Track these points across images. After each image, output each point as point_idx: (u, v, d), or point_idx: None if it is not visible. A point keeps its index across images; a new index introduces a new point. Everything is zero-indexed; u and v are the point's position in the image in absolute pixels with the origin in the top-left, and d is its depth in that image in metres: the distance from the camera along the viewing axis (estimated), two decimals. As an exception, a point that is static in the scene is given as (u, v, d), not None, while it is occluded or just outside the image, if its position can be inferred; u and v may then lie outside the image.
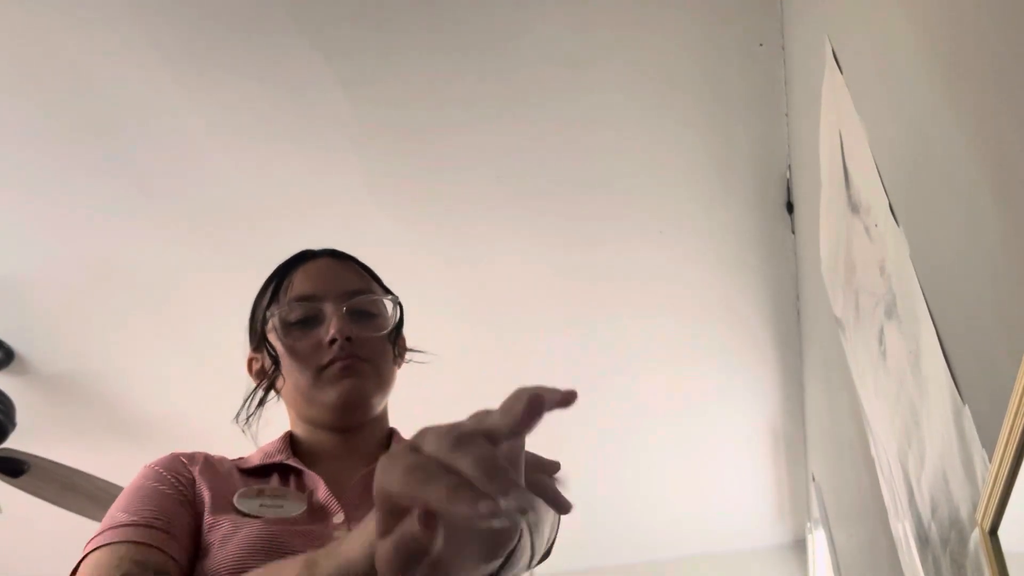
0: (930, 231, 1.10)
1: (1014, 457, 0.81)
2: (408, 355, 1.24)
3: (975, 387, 0.97)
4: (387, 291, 1.20)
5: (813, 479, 3.24)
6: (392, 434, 1.17)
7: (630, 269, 2.77)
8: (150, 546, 0.92)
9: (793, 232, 2.64)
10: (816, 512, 3.23)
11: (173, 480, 1.02)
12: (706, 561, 3.98)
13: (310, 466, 1.09)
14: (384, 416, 1.17)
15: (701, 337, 3.04)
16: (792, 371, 3.15)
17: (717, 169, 2.50)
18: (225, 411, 3.49)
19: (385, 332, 1.13)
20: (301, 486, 1.06)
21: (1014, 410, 0.78)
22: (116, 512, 0.97)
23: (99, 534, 0.95)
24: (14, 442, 2.77)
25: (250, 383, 1.22)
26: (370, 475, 1.08)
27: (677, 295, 2.87)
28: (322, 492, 1.04)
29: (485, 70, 2.22)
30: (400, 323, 1.18)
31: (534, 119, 2.35)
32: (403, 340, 1.23)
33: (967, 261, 0.97)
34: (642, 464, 3.48)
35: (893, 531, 1.60)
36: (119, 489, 2.71)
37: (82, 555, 0.94)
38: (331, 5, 2.06)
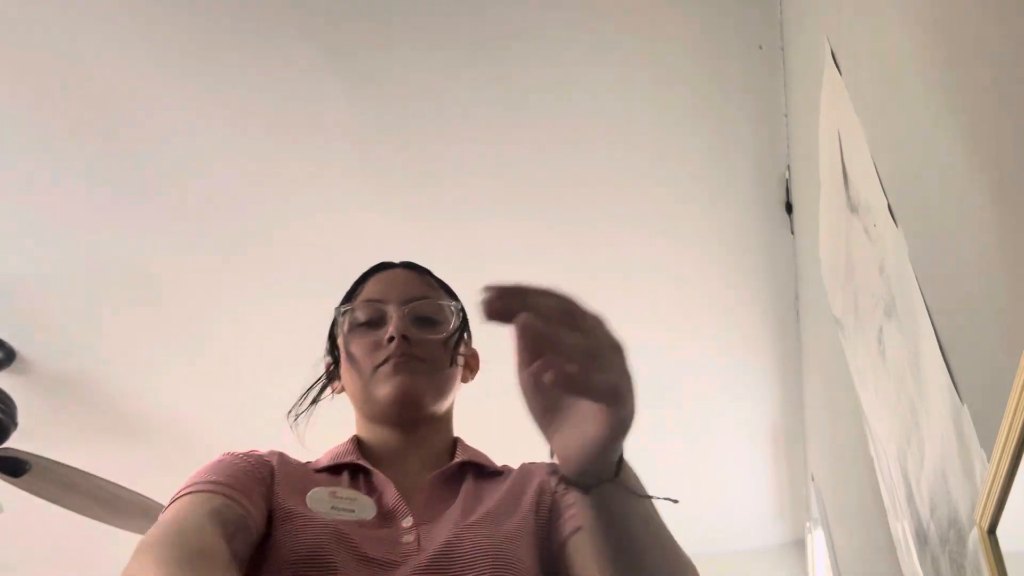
0: (929, 231, 1.10)
1: (1012, 456, 0.81)
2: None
3: (974, 387, 0.97)
4: (453, 298, 1.25)
5: (812, 479, 3.24)
6: (456, 442, 1.21)
7: (629, 269, 2.78)
8: (233, 500, 0.96)
9: (792, 233, 2.64)
10: (815, 512, 3.23)
11: (252, 463, 1.06)
12: (706, 561, 3.95)
13: (377, 467, 1.12)
14: (447, 422, 1.21)
15: (700, 337, 3.04)
16: (791, 371, 3.15)
17: (717, 170, 2.51)
18: (224, 411, 3.52)
19: (443, 336, 1.17)
20: (371, 487, 1.09)
21: (1012, 409, 0.79)
22: (197, 477, 1.01)
23: (183, 488, 0.99)
24: (15, 442, 2.77)
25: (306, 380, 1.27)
26: (437, 480, 1.11)
27: (676, 295, 2.88)
28: (391, 495, 1.07)
29: (485, 69, 2.23)
30: (460, 330, 1.21)
31: (533, 120, 2.35)
32: (472, 351, 1.28)
33: (966, 261, 0.97)
34: (641, 464, 3.47)
35: (892, 531, 1.60)
36: (120, 488, 2.73)
37: (168, 504, 0.99)
38: (330, 5, 2.07)
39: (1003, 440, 0.82)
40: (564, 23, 2.14)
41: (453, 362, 1.19)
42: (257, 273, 2.74)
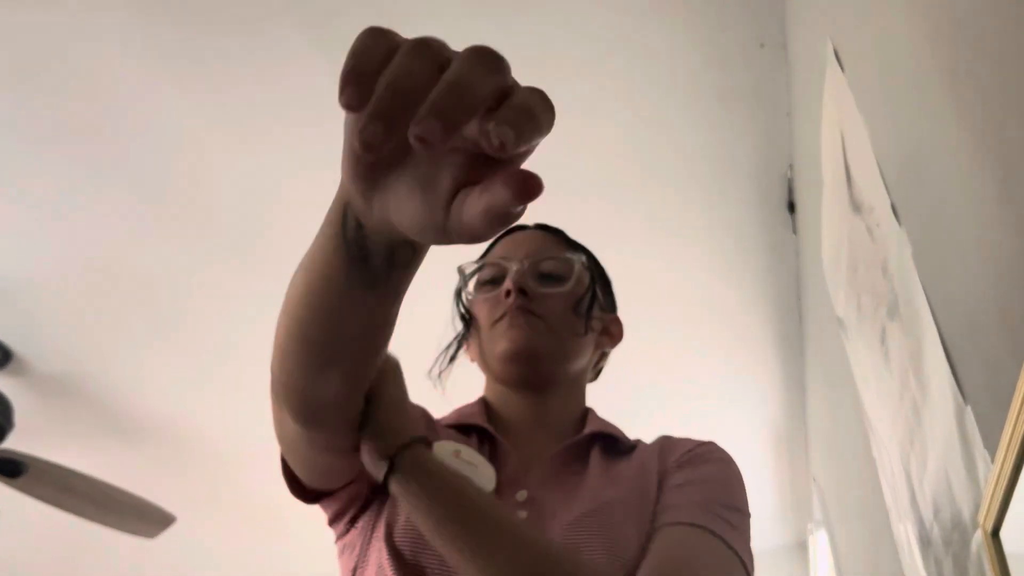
0: (932, 231, 1.09)
1: (1016, 458, 0.80)
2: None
3: (977, 388, 0.96)
4: (587, 256, 1.19)
5: (815, 480, 3.23)
6: (587, 413, 1.15)
7: (630, 269, 2.76)
8: None
9: (795, 232, 2.63)
10: (817, 513, 3.22)
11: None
12: (707, 562, 3.96)
13: (502, 434, 1.07)
14: (576, 391, 1.16)
15: (701, 338, 3.03)
16: (793, 372, 3.14)
17: (719, 169, 2.50)
18: (223, 413, 3.50)
19: (564, 290, 1.11)
20: (495, 455, 1.05)
21: (1016, 411, 0.78)
22: None
23: None
24: (12, 443, 2.77)
25: None
26: (563, 453, 1.05)
27: (677, 295, 2.86)
28: (511, 466, 1.02)
29: (485, 69, 2.22)
30: (590, 291, 1.15)
31: (534, 119, 2.34)
32: (613, 318, 1.22)
33: (970, 261, 0.97)
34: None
35: (895, 532, 1.59)
36: (117, 491, 2.73)
37: None
38: (330, 5, 2.06)
39: (1007, 441, 0.81)
40: (565, 20, 2.13)
41: (586, 328, 1.12)
42: (256, 273, 2.73)
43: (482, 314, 1.12)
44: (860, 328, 1.61)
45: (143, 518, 2.84)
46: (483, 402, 1.15)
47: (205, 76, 2.19)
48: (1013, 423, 0.79)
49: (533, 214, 2.48)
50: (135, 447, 3.29)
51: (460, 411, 1.13)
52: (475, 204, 0.49)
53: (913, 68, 1.12)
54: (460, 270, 1.18)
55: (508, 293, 1.09)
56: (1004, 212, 0.84)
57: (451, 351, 1.19)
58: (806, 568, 3.84)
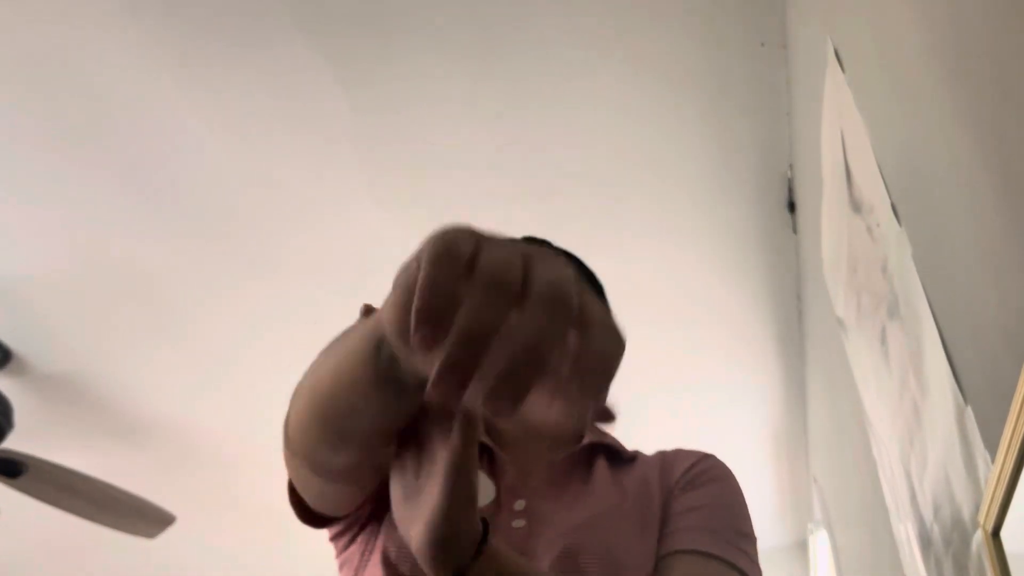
0: (933, 231, 1.09)
1: (1016, 458, 0.80)
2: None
3: (978, 388, 0.96)
4: (574, 262, 1.19)
5: (815, 480, 3.23)
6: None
7: (629, 270, 2.77)
8: None
9: (795, 232, 2.63)
10: (818, 513, 3.23)
11: None
12: (707, 562, 3.96)
13: (500, 446, 1.07)
14: None
15: (701, 338, 3.03)
16: (793, 372, 3.14)
17: (718, 169, 2.50)
18: (223, 413, 3.49)
19: None
20: (493, 467, 1.04)
21: (1017, 411, 0.78)
22: None
23: None
24: (12, 443, 2.77)
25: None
26: (562, 464, 1.06)
27: (677, 295, 2.86)
28: (509, 477, 1.02)
29: (485, 68, 2.22)
30: None
31: (533, 119, 2.34)
32: None
33: (970, 261, 0.96)
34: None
35: (895, 532, 1.59)
36: (117, 491, 2.73)
37: None
38: (330, 6, 2.06)
39: (1007, 441, 0.81)
40: (564, 20, 2.13)
41: None
42: (256, 274, 2.73)
43: None
44: (860, 328, 1.60)
45: (143, 518, 2.84)
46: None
47: (206, 77, 2.19)
48: (1013, 423, 0.79)
49: (534, 217, 2.48)
50: (135, 447, 3.29)
51: None
52: (546, 411, 0.49)
53: (913, 68, 1.11)
54: None
55: None
56: (1004, 212, 0.84)
57: None
58: (806, 568, 3.84)
